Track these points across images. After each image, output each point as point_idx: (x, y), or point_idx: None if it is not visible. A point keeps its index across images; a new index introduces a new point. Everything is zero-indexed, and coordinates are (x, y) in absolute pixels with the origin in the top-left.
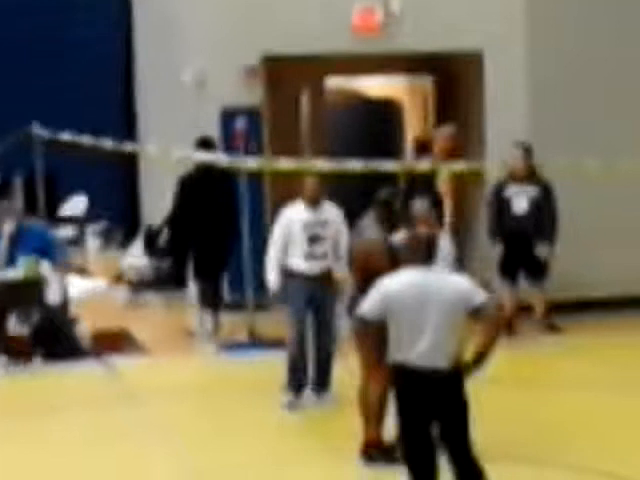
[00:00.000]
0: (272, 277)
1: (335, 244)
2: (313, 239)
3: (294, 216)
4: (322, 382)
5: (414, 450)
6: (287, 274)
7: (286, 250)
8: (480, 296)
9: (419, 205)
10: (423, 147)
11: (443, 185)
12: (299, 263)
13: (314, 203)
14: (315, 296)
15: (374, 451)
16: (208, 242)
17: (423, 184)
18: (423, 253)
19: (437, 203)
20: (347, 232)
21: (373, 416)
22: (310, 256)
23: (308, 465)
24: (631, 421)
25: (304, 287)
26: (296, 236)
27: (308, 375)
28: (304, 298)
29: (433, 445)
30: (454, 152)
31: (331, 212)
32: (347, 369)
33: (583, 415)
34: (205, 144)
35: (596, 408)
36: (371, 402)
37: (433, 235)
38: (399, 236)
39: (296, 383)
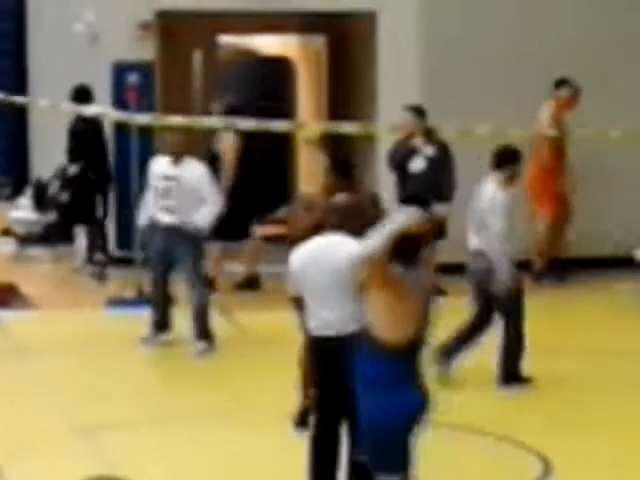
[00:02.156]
0: (141, 214)
1: (197, 201)
2: (164, 193)
3: (154, 168)
4: (196, 332)
5: (322, 428)
6: (151, 222)
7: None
8: None
9: None
10: (234, 110)
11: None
12: (156, 212)
13: (174, 158)
14: (167, 248)
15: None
16: (80, 191)
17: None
18: (331, 221)
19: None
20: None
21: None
22: (161, 208)
23: (190, 421)
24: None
25: (158, 236)
26: (153, 187)
27: (168, 317)
28: (157, 247)
29: (338, 431)
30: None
31: (191, 169)
32: (235, 324)
33: (472, 375)
34: (80, 93)
35: (486, 369)
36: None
37: (343, 205)
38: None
39: (155, 320)
